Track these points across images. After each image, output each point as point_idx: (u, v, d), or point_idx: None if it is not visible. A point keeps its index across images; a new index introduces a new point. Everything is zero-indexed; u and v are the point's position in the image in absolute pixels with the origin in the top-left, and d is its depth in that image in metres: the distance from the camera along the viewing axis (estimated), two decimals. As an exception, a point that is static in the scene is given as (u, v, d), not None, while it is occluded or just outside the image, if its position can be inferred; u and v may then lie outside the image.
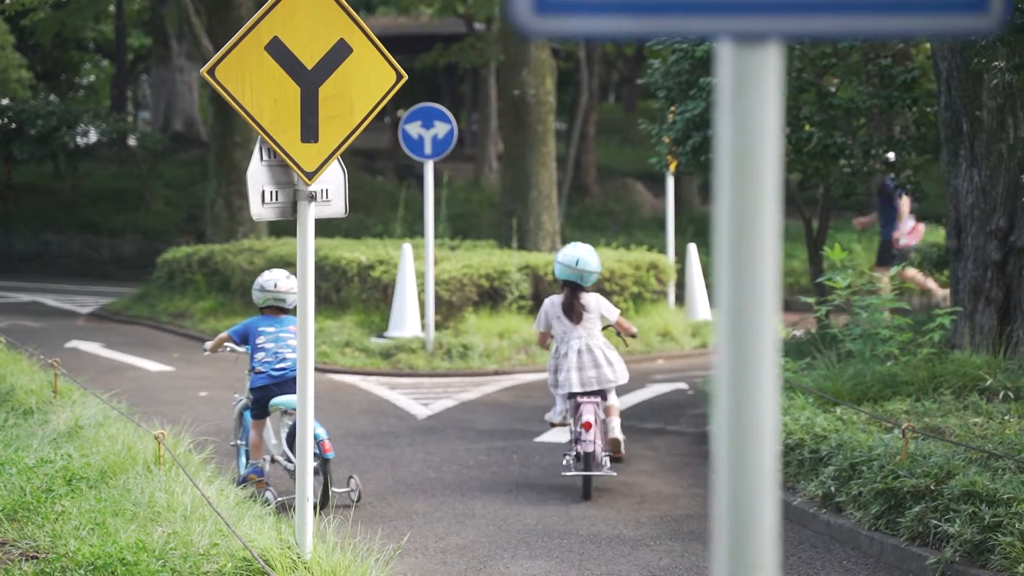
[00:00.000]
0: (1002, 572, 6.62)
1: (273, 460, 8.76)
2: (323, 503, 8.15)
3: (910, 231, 16.22)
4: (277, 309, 8.74)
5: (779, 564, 1.67)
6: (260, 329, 8.65)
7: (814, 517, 8.04)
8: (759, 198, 1.72)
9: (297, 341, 6.37)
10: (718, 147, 1.76)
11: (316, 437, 8.02)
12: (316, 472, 7.84)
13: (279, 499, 8.38)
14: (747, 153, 1.71)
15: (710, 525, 8.17)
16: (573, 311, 9.08)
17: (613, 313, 9.22)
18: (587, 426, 8.79)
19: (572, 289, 9.10)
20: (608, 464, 9.00)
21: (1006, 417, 8.72)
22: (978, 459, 7.69)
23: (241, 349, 8.84)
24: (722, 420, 1.77)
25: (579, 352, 9.02)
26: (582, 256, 9.09)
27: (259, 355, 8.61)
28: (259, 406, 8.63)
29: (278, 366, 8.56)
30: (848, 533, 7.70)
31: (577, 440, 8.84)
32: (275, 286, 8.71)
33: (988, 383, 9.38)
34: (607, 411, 9.18)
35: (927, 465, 7.52)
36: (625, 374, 9.18)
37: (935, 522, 7.12)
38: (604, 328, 9.28)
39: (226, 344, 8.83)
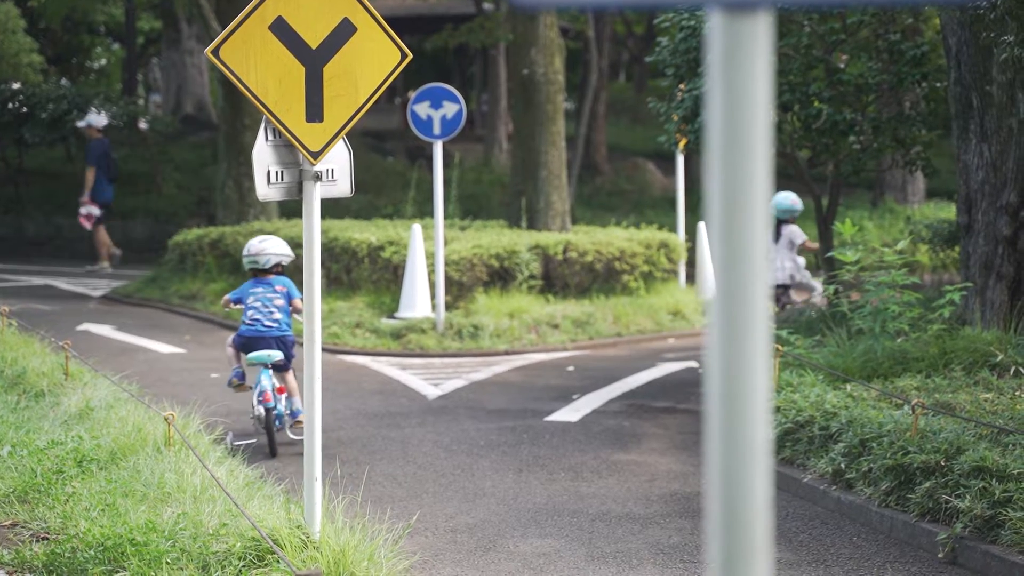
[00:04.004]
0: (1012, 547, 6.62)
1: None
2: (274, 452, 9.30)
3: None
4: (261, 271, 9.69)
5: (772, 537, 1.67)
6: (250, 291, 9.69)
7: (824, 494, 8.04)
8: (749, 170, 1.71)
9: (304, 324, 6.40)
10: (709, 118, 1.75)
11: (262, 387, 9.24)
12: (260, 420, 9.30)
13: (236, 443, 9.06)
14: (737, 124, 1.70)
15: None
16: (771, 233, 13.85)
17: (799, 239, 14.22)
18: None
19: (778, 221, 14.25)
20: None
21: (1017, 393, 8.70)
22: (988, 435, 7.68)
23: (240, 307, 9.87)
24: (714, 392, 1.77)
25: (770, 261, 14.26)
26: (781, 201, 14.21)
27: (249, 312, 9.64)
28: (243, 347, 9.71)
29: (266, 323, 9.57)
30: (858, 510, 7.70)
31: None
32: (248, 251, 9.73)
33: (999, 359, 9.35)
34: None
35: (937, 441, 7.51)
36: (776, 276, 14.34)
37: (945, 498, 7.12)
38: (803, 248, 14.35)
39: (230, 304, 9.84)
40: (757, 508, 1.75)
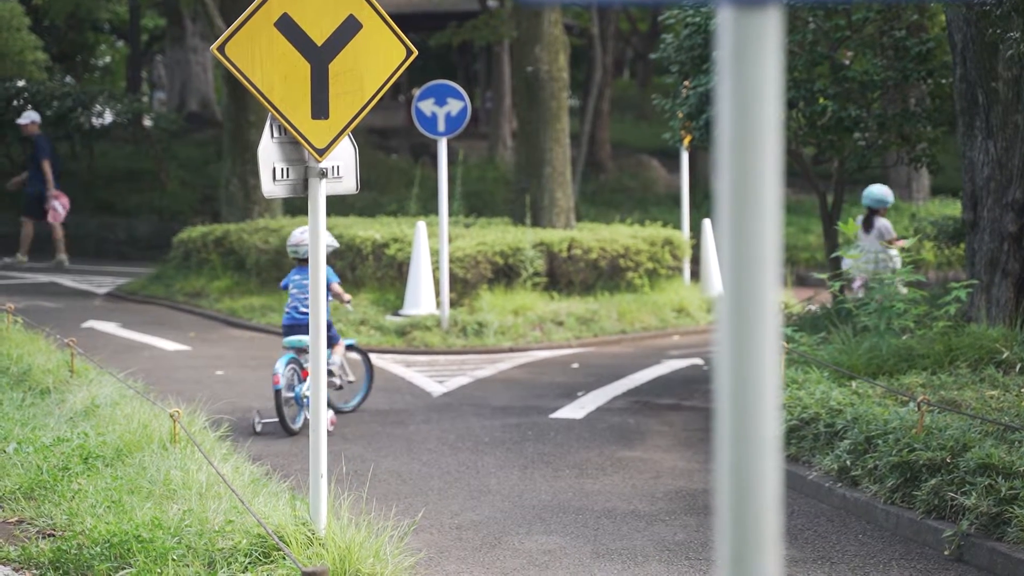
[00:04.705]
0: (1018, 544, 6.61)
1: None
2: (288, 432, 9.85)
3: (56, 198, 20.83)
4: (303, 260, 10.03)
5: (782, 532, 1.67)
6: (292, 279, 10.24)
7: (830, 491, 8.04)
8: (759, 166, 1.70)
9: (310, 321, 6.42)
10: (719, 114, 1.74)
11: (274, 370, 9.74)
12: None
13: (263, 421, 9.87)
14: (747, 120, 1.70)
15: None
16: (865, 224, 13.91)
17: (889, 233, 13.89)
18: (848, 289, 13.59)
19: (869, 211, 13.97)
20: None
21: (1022, 390, 8.69)
22: (994, 432, 7.67)
23: None
24: (724, 387, 1.76)
25: (862, 251, 13.66)
26: (871, 191, 13.94)
27: (289, 300, 10.21)
28: (284, 333, 10.26)
29: (302, 309, 10.01)
30: (864, 507, 7.69)
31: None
32: (291, 241, 10.22)
33: (1004, 356, 9.34)
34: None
35: (943, 438, 7.50)
36: (868, 267, 13.44)
37: (951, 495, 7.11)
38: (889, 243, 13.81)
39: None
40: (766, 505, 1.75)
